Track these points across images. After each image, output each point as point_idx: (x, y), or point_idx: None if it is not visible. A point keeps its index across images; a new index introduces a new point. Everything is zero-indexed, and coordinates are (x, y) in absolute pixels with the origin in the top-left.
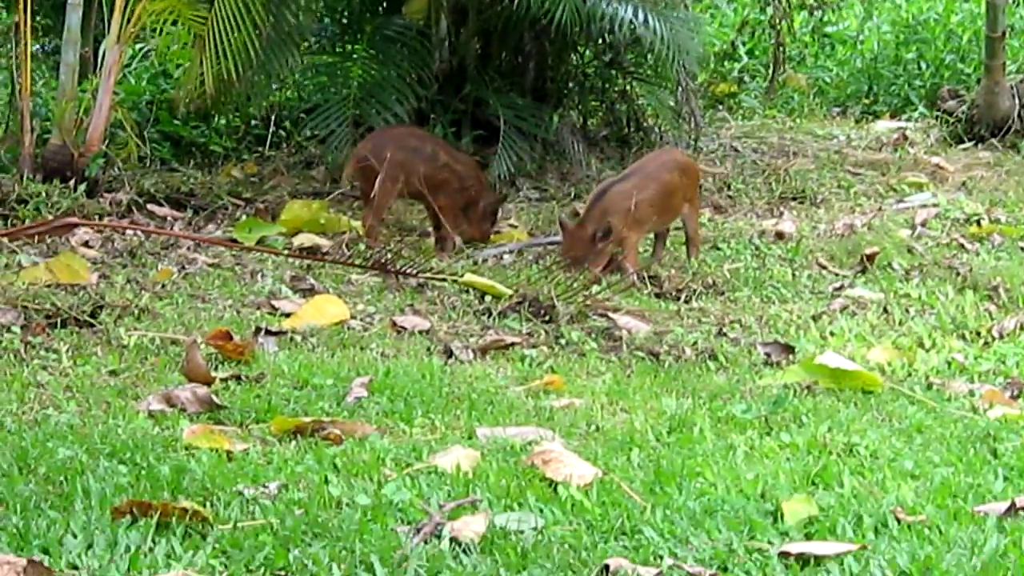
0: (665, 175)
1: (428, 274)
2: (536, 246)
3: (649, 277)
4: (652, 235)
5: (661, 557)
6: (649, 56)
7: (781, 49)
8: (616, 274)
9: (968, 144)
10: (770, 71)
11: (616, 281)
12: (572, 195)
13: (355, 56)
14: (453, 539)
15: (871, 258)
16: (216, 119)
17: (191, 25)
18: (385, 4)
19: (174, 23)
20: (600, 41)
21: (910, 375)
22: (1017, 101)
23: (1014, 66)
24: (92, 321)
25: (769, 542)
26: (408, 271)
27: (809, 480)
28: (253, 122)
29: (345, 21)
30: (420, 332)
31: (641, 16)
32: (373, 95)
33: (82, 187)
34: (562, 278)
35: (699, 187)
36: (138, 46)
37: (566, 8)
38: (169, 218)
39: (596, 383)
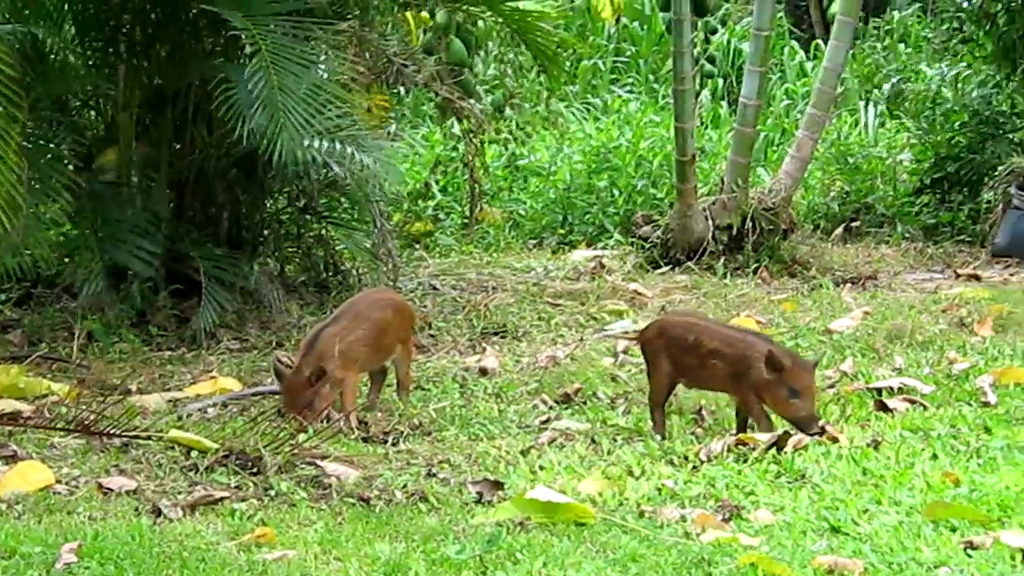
0: (377, 314)
1: (132, 433)
2: (241, 398)
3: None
4: (368, 378)
5: None
6: (343, 199)
7: (476, 185)
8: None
9: (665, 268)
10: (466, 208)
11: (323, 428)
12: (273, 343)
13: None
14: None
15: (576, 390)
16: None
17: None
18: (84, 158)
19: None
20: (294, 187)
21: (622, 504)
22: (711, 223)
23: (705, 188)
24: None
25: None
26: (111, 431)
27: None
28: None
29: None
30: (127, 492)
31: (337, 147)
32: (73, 256)
33: None
34: (269, 429)
35: (413, 329)
36: None
37: (284, 148)
38: None
39: (308, 533)
